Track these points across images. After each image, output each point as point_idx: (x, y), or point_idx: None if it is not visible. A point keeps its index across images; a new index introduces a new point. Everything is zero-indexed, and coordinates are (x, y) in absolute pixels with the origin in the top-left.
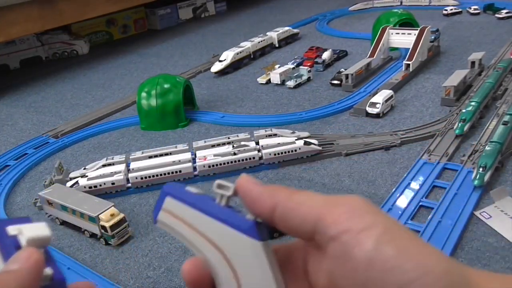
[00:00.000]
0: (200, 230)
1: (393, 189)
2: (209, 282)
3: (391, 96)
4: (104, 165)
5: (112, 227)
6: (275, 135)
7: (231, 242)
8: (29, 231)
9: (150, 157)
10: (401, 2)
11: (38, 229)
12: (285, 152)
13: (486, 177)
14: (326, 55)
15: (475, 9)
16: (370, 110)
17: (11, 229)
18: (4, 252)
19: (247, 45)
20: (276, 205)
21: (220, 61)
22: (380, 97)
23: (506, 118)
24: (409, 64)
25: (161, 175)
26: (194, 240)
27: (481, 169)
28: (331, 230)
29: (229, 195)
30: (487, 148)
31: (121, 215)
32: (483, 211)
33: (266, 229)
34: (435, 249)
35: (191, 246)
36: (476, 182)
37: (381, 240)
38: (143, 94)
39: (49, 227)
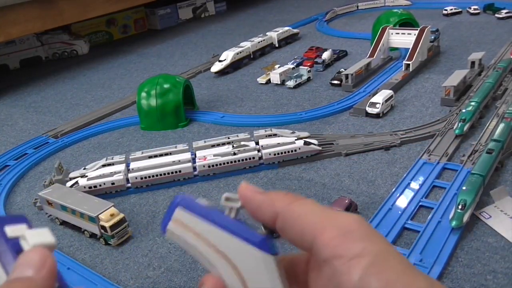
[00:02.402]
0: (210, 242)
1: (393, 189)
2: None
3: (391, 96)
4: (104, 165)
5: (112, 227)
6: (275, 135)
7: (242, 255)
8: (33, 237)
9: (150, 157)
10: (357, 7)
11: (42, 235)
12: (285, 152)
13: (466, 217)
14: (326, 55)
15: (475, 9)
16: (370, 110)
17: (10, 230)
18: (3, 256)
19: (247, 45)
20: (276, 215)
21: (220, 61)
22: (380, 97)
23: (491, 145)
24: (409, 64)
25: (161, 175)
26: (204, 251)
27: (460, 207)
28: (324, 253)
29: (238, 207)
30: (469, 179)
31: (121, 215)
32: (483, 211)
33: (275, 243)
34: (426, 281)
35: (199, 257)
36: (453, 223)
37: (369, 271)
38: (143, 94)
39: (51, 232)
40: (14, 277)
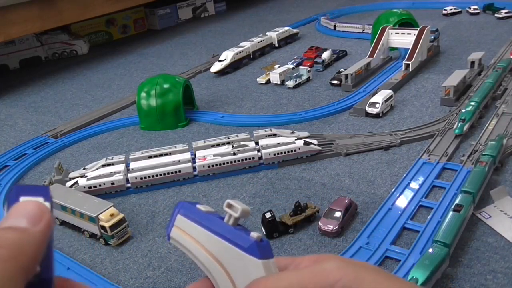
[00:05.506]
0: (206, 248)
1: (393, 189)
2: None
3: (391, 96)
4: (103, 165)
5: (112, 227)
6: (274, 135)
7: (233, 260)
8: None
9: (150, 157)
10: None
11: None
12: (285, 152)
13: None
14: (325, 55)
15: (474, 9)
16: (370, 110)
17: (23, 200)
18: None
19: (246, 45)
20: None
21: (220, 61)
22: (379, 97)
23: (460, 199)
24: (408, 64)
25: (160, 175)
26: (201, 257)
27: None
28: None
29: (236, 216)
30: (432, 246)
31: (121, 215)
32: (483, 211)
33: (269, 248)
34: None
35: (198, 263)
36: None
37: None
38: (143, 94)
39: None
40: (7, 225)
